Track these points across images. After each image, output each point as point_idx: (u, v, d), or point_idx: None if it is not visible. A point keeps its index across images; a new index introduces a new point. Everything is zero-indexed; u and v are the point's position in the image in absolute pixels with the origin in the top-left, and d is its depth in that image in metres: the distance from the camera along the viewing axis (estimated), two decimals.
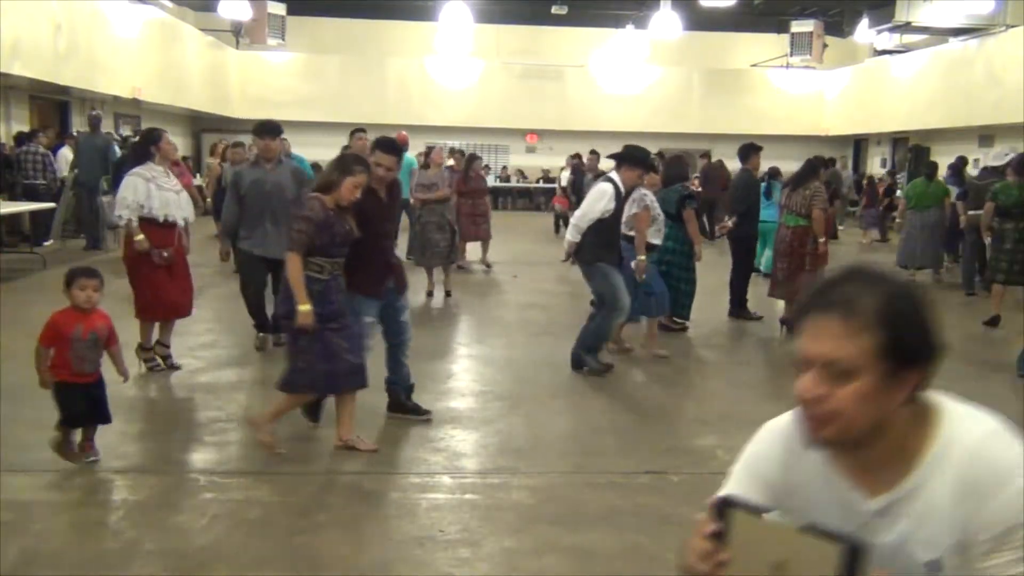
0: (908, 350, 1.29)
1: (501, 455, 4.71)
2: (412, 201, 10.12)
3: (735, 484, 1.52)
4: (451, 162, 13.33)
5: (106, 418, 4.33)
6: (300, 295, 4.27)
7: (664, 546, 3.63)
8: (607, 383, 6.34)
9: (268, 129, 6.42)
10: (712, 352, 7.56)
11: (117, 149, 13.35)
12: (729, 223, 8.80)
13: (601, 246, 6.15)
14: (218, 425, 5.04)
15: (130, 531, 3.62)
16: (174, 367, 6.07)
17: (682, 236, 7.47)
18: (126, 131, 16.85)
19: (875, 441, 1.33)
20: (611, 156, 6.57)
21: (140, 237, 5.73)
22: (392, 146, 4.91)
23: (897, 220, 13.49)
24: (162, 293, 5.88)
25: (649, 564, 3.47)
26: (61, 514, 3.79)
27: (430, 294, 9.52)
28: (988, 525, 1.27)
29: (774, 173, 12.98)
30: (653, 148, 19.45)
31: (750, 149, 9.02)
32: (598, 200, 6.10)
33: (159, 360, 6.06)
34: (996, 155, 11.24)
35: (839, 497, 1.40)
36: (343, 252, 4.47)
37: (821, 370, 1.29)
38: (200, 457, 4.62)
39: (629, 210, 6.58)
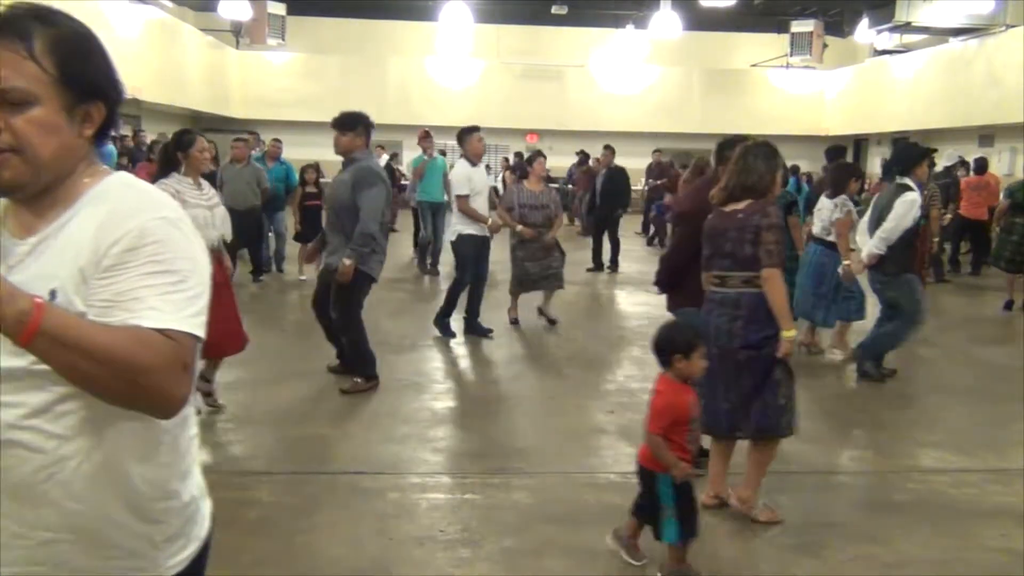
0: (86, 82, 1.33)
1: (501, 455, 4.71)
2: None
3: None
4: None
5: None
6: (786, 320, 3.65)
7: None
8: (607, 383, 6.33)
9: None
10: None
11: (112, 148, 13.34)
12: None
13: (907, 255, 6.14)
14: (218, 425, 5.03)
15: None
16: (215, 406, 5.21)
17: (788, 241, 7.51)
18: (125, 131, 16.85)
19: (54, 183, 1.34)
20: (900, 159, 6.35)
21: None
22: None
23: None
24: None
25: (649, 564, 3.47)
26: None
27: (515, 321, 8.07)
28: (117, 243, 1.28)
29: (794, 169, 13.11)
30: (653, 148, 19.57)
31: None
32: (908, 211, 6.01)
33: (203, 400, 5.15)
34: (948, 156, 11.82)
35: None
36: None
37: None
38: (200, 457, 4.61)
39: (832, 215, 6.68)
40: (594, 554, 3.54)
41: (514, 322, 8.02)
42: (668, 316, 8.71)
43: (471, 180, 7.33)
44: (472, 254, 7.39)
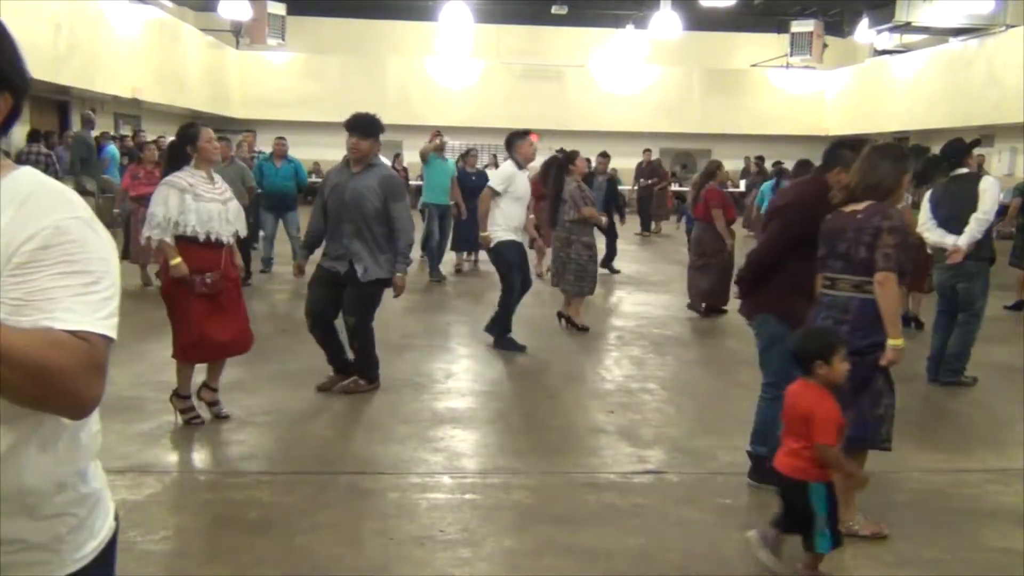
0: None
1: (501, 455, 4.71)
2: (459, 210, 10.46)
3: None
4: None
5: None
6: (896, 328, 3.52)
7: (664, 546, 3.63)
8: (607, 383, 6.33)
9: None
10: (712, 352, 7.56)
11: (115, 149, 13.37)
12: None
13: (990, 242, 6.17)
14: (218, 425, 5.03)
15: (130, 531, 3.61)
16: (221, 416, 5.04)
17: None
18: (126, 131, 16.86)
19: None
20: (951, 153, 6.32)
21: (176, 261, 4.65)
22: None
23: None
24: (208, 328, 4.74)
25: (649, 564, 3.47)
26: None
27: (585, 328, 7.91)
28: (31, 239, 1.26)
29: (782, 171, 13.12)
30: (654, 148, 19.58)
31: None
32: (997, 192, 6.04)
33: (198, 412, 4.99)
34: None
35: None
36: None
37: None
38: (200, 457, 4.62)
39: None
40: (594, 554, 3.54)
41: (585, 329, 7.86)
42: (667, 317, 8.77)
43: (511, 181, 7.05)
44: (516, 260, 7.11)
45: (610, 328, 8.41)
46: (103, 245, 1.34)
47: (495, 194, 7.02)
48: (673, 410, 5.71)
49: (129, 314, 6.00)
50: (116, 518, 1.55)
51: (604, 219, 7.89)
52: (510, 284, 7.12)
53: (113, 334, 1.31)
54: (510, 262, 7.09)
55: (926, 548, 3.69)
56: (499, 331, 7.18)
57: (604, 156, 12.84)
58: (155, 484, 4.15)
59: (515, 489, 4.21)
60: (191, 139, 4.79)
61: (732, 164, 20.30)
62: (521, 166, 7.18)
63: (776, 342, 4.05)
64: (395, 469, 4.44)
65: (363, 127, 5.39)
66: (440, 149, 11.00)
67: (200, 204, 4.69)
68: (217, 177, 4.92)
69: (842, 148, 4.12)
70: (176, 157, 4.84)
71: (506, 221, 7.02)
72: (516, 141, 7.22)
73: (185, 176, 4.71)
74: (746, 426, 5.30)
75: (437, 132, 11.19)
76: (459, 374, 6.43)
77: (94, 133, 13.39)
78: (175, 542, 3.57)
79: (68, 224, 1.29)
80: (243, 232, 5.02)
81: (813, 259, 3.81)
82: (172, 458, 4.57)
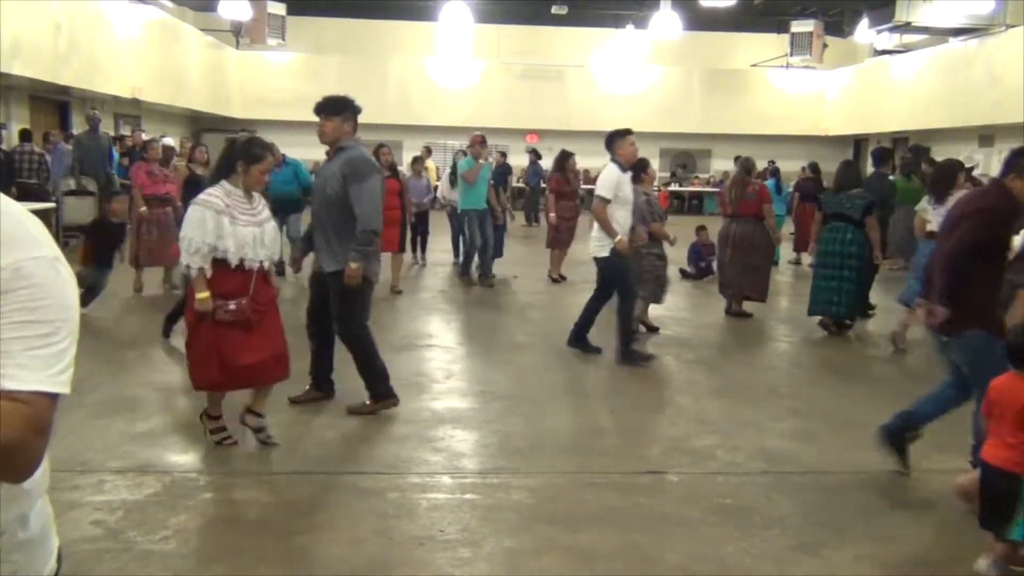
0: None
1: (501, 455, 4.71)
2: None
3: None
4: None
5: None
6: None
7: (664, 546, 3.63)
8: (607, 383, 6.33)
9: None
10: (713, 352, 7.56)
11: (114, 150, 13.36)
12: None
13: None
14: None
15: (130, 531, 3.62)
16: (268, 443, 4.66)
17: (866, 241, 7.76)
18: (125, 131, 16.86)
19: None
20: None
21: (204, 295, 4.31)
22: None
23: None
24: (239, 357, 4.39)
25: (649, 564, 3.47)
26: (61, 514, 3.77)
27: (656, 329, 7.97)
28: None
29: (777, 171, 13.13)
30: (653, 148, 19.51)
31: None
32: None
33: (230, 432, 4.66)
34: (967, 158, 12.03)
35: None
36: None
37: None
38: (200, 457, 4.61)
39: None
40: (594, 554, 3.54)
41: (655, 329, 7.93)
42: (667, 317, 8.76)
43: (619, 186, 6.61)
44: (627, 266, 6.74)
45: (610, 328, 8.40)
46: (64, 288, 1.28)
47: (606, 202, 6.56)
48: (673, 410, 5.70)
49: (130, 316, 6.00)
50: (59, 559, 1.49)
51: (673, 236, 7.68)
52: (626, 290, 6.74)
53: (66, 390, 1.26)
54: (620, 268, 6.68)
55: (926, 548, 3.70)
56: (622, 345, 6.73)
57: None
58: (155, 484, 4.14)
59: (515, 489, 4.21)
60: (251, 159, 4.40)
61: (732, 165, 20.32)
62: (624, 168, 6.72)
63: (987, 353, 3.99)
64: (395, 469, 4.43)
65: (326, 107, 5.02)
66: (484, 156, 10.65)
67: (236, 228, 4.33)
68: (256, 195, 4.52)
69: (1021, 157, 4.11)
70: (225, 168, 4.45)
71: (616, 227, 6.58)
72: (616, 141, 6.75)
73: (221, 196, 4.35)
74: (746, 426, 5.32)
75: (481, 138, 10.58)
76: (459, 374, 6.43)
77: None
78: (175, 542, 3.57)
79: (28, 266, 1.23)
80: (276, 256, 4.62)
81: (999, 266, 3.93)
82: (172, 458, 4.57)
